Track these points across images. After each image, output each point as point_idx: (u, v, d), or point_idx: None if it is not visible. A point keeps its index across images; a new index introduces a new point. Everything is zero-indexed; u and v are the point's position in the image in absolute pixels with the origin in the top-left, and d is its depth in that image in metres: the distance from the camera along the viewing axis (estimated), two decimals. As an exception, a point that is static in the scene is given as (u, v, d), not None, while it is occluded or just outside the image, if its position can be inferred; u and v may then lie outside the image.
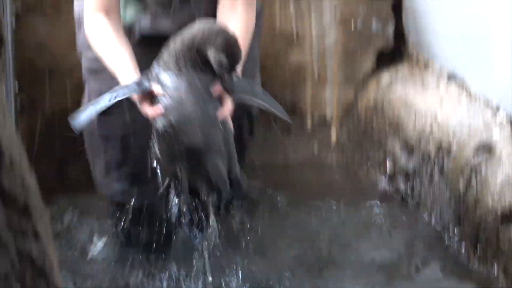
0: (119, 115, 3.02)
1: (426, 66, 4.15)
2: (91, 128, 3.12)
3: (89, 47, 3.06)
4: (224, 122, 2.69)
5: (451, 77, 4.28)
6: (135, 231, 3.25)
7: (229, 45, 2.65)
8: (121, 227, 3.24)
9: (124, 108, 2.96)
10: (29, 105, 4.29)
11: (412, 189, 3.82)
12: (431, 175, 3.97)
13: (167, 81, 2.65)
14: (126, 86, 2.75)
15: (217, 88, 2.68)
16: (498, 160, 3.56)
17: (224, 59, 2.63)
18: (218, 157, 2.67)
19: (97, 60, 3.02)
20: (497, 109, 3.75)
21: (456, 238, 3.76)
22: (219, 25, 2.76)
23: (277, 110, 2.94)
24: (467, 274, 3.53)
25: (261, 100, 2.89)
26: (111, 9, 2.98)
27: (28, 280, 1.94)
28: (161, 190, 2.81)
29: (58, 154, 4.33)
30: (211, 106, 2.67)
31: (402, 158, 3.93)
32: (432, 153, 3.97)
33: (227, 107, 2.73)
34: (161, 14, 3.01)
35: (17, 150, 1.88)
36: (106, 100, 2.76)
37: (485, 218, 3.51)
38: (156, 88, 2.70)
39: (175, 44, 2.66)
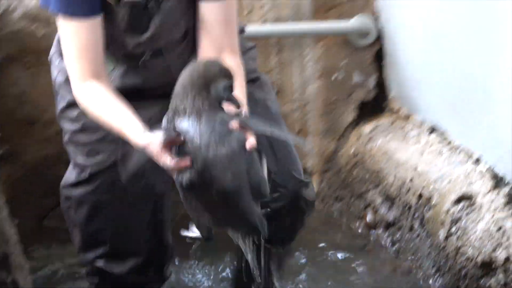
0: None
1: (407, 117, 4.23)
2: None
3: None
4: (252, 154, 2.58)
5: (433, 129, 4.34)
6: None
7: (230, 72, 2.63)
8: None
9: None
10: (9, 156, 4.35)
11: (393, 238, 3.88)
12: (411, 225, 4.04)
13: (188, 127, 2.50)
14: (148, 144, 2.58)
15: (235, 123, 2.57)
16: (478, 210, 3.62)
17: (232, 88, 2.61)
18: (250, 195, 2.56)
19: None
20: (478, 160, 3.84)
21: (437, 285, 3.85)
22: (214, 58, 2.75)
23: (291, 138, 3.04)
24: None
25: (274, 130, 2.78)
26: (101, 73, 2.95)
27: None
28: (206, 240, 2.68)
29: (38, 204, 4.41)
30: (236, 142, 2.53)
31: (383, 208, 3.99)
32: (413, 204, 4.06)
33: (251, 138, 2.61)
34: (131, 70, 3.02)
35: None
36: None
37: (465, 267, 3.58)
38: (178, 137, 2.57)
39: (185, 88, 2.55)
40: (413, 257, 4.04)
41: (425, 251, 3.94)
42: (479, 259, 3.46)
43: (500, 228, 3.44)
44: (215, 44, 2.94)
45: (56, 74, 3.16)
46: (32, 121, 4.40)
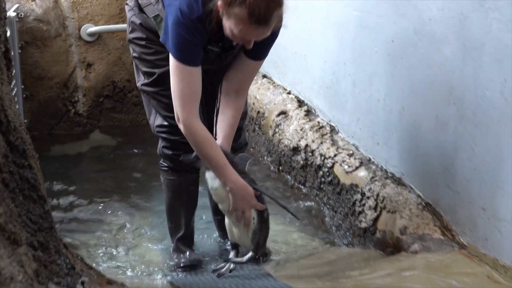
0: None
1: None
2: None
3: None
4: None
5: (264, 75, 5.66)
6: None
7: None
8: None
9: None
10: (30, 96, 6.06)
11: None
12: (254, 128, 5.46)
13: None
14: (245, 186, 3.27)
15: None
16: (290, 119, 5.04)
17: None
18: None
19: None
20: (290, 92, 5.31)
21: (268, 161, 5.24)
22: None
23: (288, 208, 3.47)
24: (276, 180, 4.94)
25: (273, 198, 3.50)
26: (198, 114, 3.31)
27: (25, 191, 2.31)
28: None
29: (46, 123, 6.25)
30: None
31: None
32: (254, 116, 5.46)
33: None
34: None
35: (18, 120, 2.40)
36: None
37: (283, 150, 4.99)
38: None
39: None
40: (254, 146, 5.45)
41: (261, 143, 5.36)
42: (291, 146, 4.85)
43: (302, 129, 4.83)
44: (236, 86, 3.53)
45: (134, 54, 3.71)
46: (41, 77, 6.19)
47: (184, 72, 3.16)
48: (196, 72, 3.19)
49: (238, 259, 3.43)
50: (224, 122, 3.47)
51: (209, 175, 3.33)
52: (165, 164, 3.84)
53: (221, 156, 3.23)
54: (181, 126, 3.25)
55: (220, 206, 3.38)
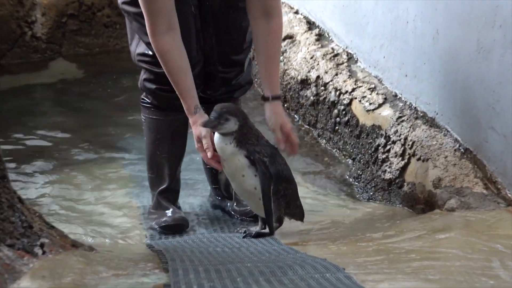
0: None
1: None
2: None
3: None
4: None
5: None
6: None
7: None
8: None
9: None
10: None
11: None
12: (253, 57, 4.79)
13: None
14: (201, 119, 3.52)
15: None
16: (297, 45, 5.15)
17: None
18: None
19: None
20: (297, 11, 5.37)
21: None
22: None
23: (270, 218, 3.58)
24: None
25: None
26: (174, 26, 3.56)
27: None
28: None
29: None
30: None
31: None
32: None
33: None
34: None
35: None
36: None
37: (290, 83, 5.12)
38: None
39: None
40: (257, 77, 5.25)
41: None
42: (299, 78, 4.97)
43: (312, 57, 4.95)
44: (262, 5, 3.67)
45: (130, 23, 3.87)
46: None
47: None
48: None
49: (250, 231, 3.62)
50: (262, 57, 3.69)
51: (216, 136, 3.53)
52: (147, 100, 3.91)
53: (186, 85, 3.50)
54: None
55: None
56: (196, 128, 3.53)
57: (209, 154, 3.49)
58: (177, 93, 3.57)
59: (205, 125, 3.47)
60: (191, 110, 3.57)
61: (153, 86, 3.82)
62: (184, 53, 3.58)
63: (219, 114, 3.45)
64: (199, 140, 3.52)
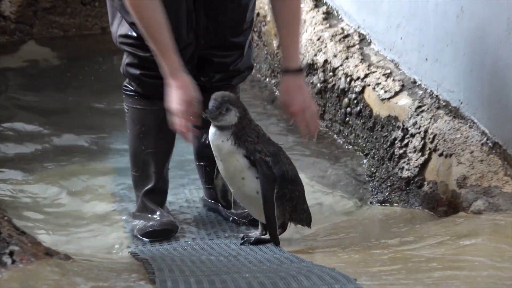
0: None
1: None
2: None
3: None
4: None
5: None
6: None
7: None
8: None
9: None
10: None
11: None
12: (252, 38, 4.98)
13: None
14: (185, 86, 3.50)
15: None
16: (302, 25, 5.11)
17: None
18: None
19: None
20: None
21: (271, 84, 5.45)
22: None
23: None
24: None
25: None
26: None
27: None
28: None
29: None
30: None
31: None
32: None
33: None
34: None
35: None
36: None
37: None
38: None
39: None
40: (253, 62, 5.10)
41: (262, 58, 5.60)
42: (304, 62, 4.95)
43: (319, 38, 4.98)
44: None
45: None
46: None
47: None
48: None
49: (249, 237, 3.60)
50: (280, 22, 3.72)
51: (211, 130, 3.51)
52: (131, 87, 3.91)
53: (168, 41, 3.46)
54: None
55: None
56: (186, 90, 3.49)
57: (194, 122, 3.48)
58: (156, 53, 3.50)
59: (208, 115, 3.43)
60: (175, 67, 3.51)
61: (137, 72, 3.81)
62: (161, 8, 3.50)
63: (220, 103, 3.42)
64: (189, 104, 3.48)
